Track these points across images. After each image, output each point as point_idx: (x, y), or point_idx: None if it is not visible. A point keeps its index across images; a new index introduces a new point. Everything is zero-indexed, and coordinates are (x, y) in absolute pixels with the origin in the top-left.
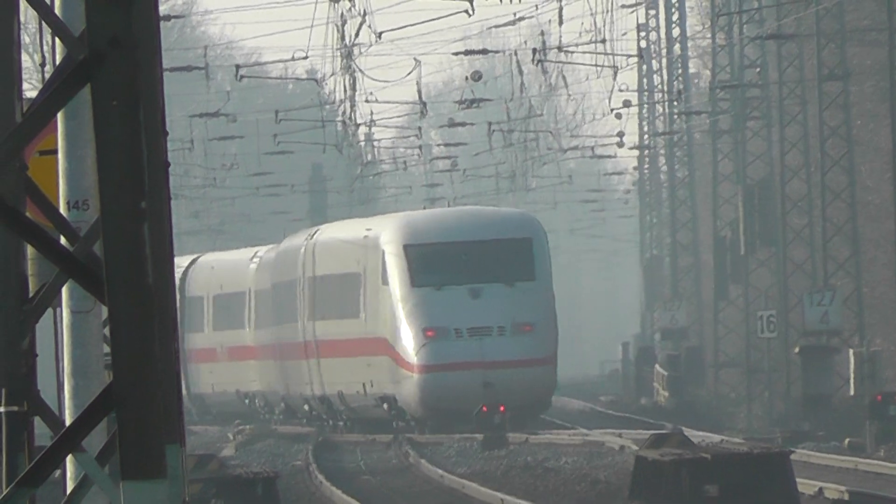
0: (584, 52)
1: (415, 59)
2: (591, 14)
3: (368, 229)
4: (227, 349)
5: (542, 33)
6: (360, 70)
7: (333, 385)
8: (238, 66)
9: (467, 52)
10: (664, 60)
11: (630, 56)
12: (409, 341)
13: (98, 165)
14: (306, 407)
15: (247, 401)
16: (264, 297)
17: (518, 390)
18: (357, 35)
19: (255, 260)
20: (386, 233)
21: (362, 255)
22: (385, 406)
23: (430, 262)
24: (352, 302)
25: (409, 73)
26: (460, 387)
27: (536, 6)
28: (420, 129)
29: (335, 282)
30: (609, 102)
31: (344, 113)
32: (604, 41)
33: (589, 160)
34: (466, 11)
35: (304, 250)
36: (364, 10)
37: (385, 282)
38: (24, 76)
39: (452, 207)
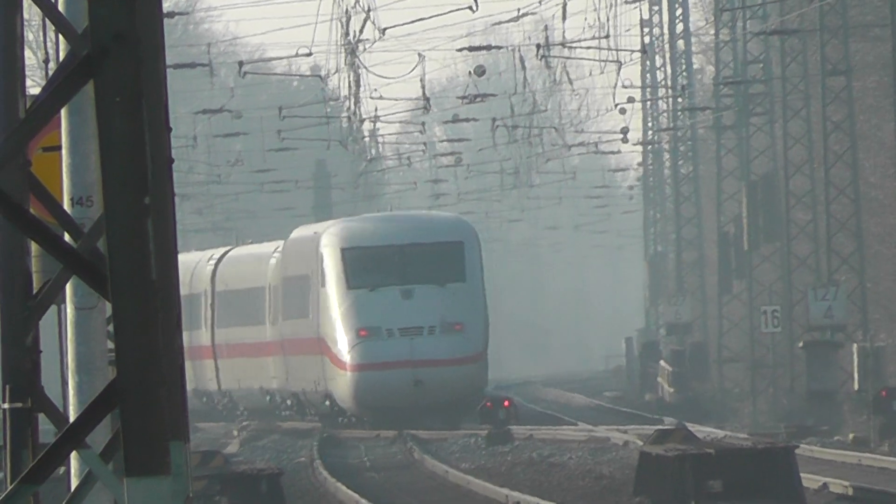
0: (587, 48)
1: (419, 54)
2: (595, 10)
3: (315, 233)
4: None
5: (546, 29)
6: (364, 66)
7: (297, 382)
8: (242, 63)
9: (471, 48)
10: (668, 56)
11: (634, 52)
12: (342, 341)
13: (101, 162)
14: (289, 402)
15: (224, 399)
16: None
17: (447, 387)
18: (361, 31)
19: (210, 262)
20: (325, 237)
21: (311, 258)
22: (327, 403)
23: (365, 265)
24: (303, 304)
25: (413, 69)
26: (391, 385)
27: (540, 2)
28: (424, 124)
29: (295, 284)
30: (613, 98)
31: (348, 109)
32: (607, 37)
33: (593, 156)
34: (470, 7)
35: (274, 258)
36: (368, 6)
37: (323, 284)
38: (28, 73)
39: (390, 213)
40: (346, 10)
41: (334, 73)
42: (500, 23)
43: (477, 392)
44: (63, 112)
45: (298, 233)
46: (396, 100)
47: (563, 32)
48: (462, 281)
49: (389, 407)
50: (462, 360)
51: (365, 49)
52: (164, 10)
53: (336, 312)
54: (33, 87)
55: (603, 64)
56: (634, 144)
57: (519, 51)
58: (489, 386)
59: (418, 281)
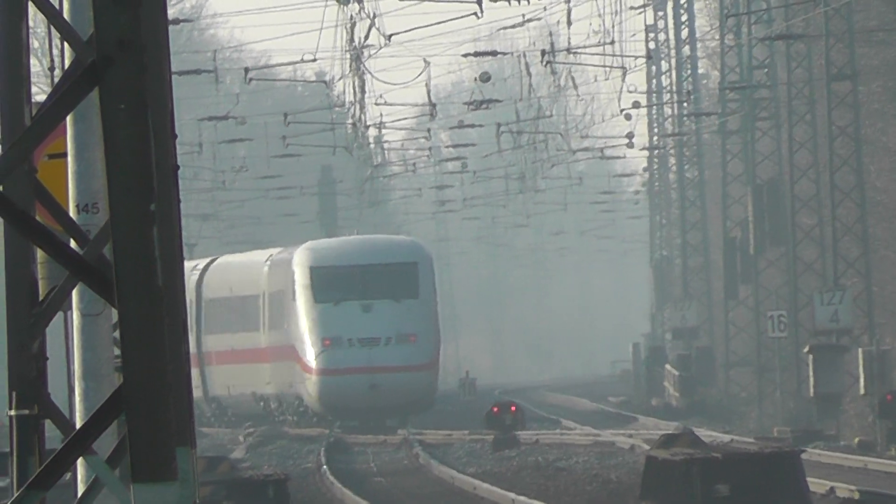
0: (592, 54)
1: (424, 60)
2: (600, 15)
3: (282, 254)
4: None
5: (551, 34)
6: (370, 72)
7: (275, 385)
8: (247, 69)
9: (476, 54)
10: (673, 61)
11: (639, 57)
12: (310, 349)
13: (107, 168)
14: (262, 404)
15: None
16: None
17: (401, 392)
18: (366, 37)
19: (194, 272)
20: (296, 256)
21: (284, 275)
22: (296, 404)
23: (330, 282)
24: (279, 315)
25: (419, 75)
26: (351, 388)
27: (545, 7)
28: (429, 130)
29: (276, 298)
30: (618, 103)
31: (353, 115)
32: (612, 42)
33: (598, 161)
34: (475, 13)
35: (265, 269)
36: (373, 13)
37: (294, 298)
38: (33, 80)
39: (353, 236)
40: (352, 16)
41: (339, 79)
42: (505, 28)
43: (428, 396)
44: (68, 119)
45: (279, 254)
46: (402, 106)
47: (569, 38)
48: (416, 297)
49: (349, 408)
50: (414, 368)
51: (370, 55)
52: (169, 17)
53: (304, 324)
54: (39, 94)
55: (608, 69)
56: (640, 149)
57: (524, 56)
58: (496, 391)
59: (377, 297)
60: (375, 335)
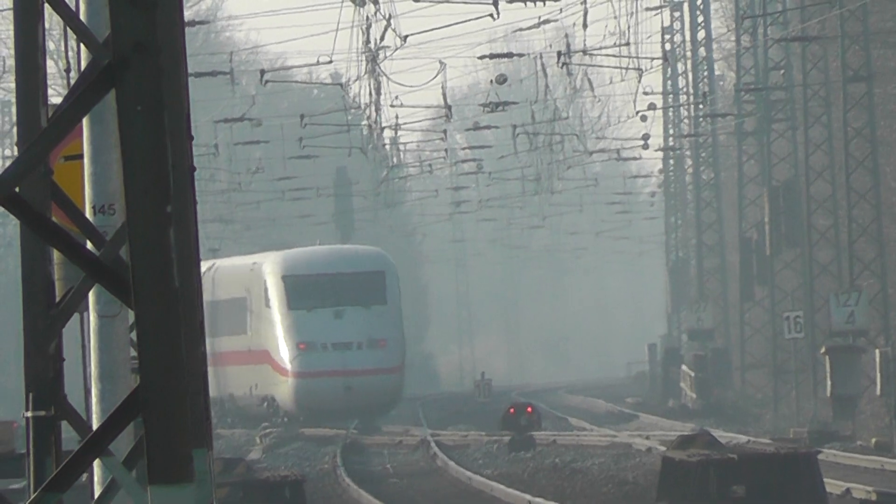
0: (608, 55)
1: (440, 62)
2: (616, 17)
3: (255, 263)
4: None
5: (567, 36)
6: (385, 74)
7: (247, 387)
8: (263, 71)
9: (492, 56)
10: (689, 63)
11: (655, 59)
12: (285, 353)
13: (123, 170)
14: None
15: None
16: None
17: (373, 393)
18: (382, 39)
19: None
20: (267, 265)
21: (258, 282)
22: (265, 405)
23: (303, 290)
24: (254, 320)
25: (434, 77)
26: (325, 390)
27: (561, 9)
28: (445, 132)
29: (247, 304)
30: (634, 105)
31: (369, 117)
32: (628, 44)
33: (614, 162)
34: (491, 15)
35: (248, 276)
36: (389, 14)
37: (268, 305)
38: (49, 82)
39: (322, 246)
40: (367, 17)
41: (355, 81)
42: (521, 30)
43: (396, 397)
44: (85, 121)
45: (253, 262)
46: (417, 107)
47: (584, 40)
48: (384, 304)
49: (324, 409)
50: (385, 371)
51: (386, 57)
52: (186, 19)
53: (279, 329)
54: (55, 96)
55: (624, 71)
56: (656, 151)
57: (540, 58)
58: (513, 392)
59: (348, 303)
60: (348, 340)
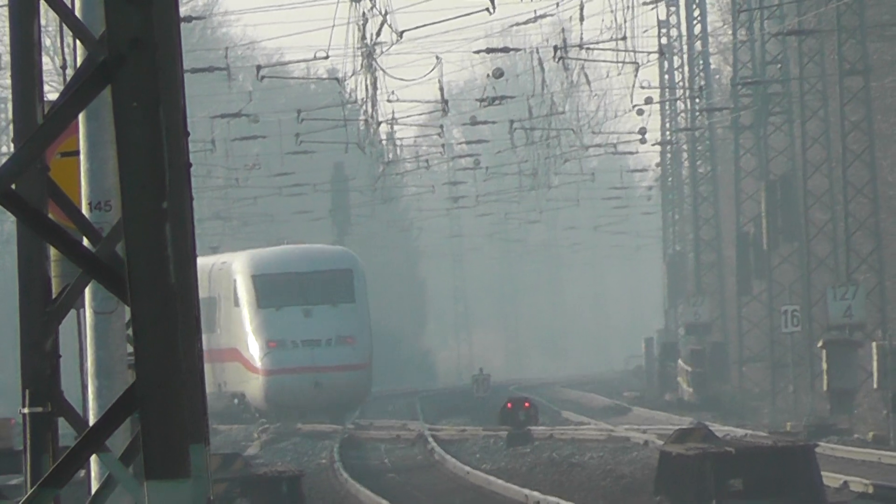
0: (605, 49)
1: (436, 57)
2: (612, 11)
3: (224, 262)
4: None
5: (564, 30)
6: (382, 69)
7: (217, 384)
8: (259, 67)
9: (489, 50)
10: (685, 57)
11: (651, 53)
12: (255, 350)
13: (119, 166)
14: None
15: None
16: None
17: (342, 389)
18: (378, 34)
19: None
20: (237, 264)
21: (227, 281)
22: (235, 401)
23: (272, 288)
24: (223, 318)
25: (431, 72)
26: (296, 386)
27: (557, 3)
28: (442, 127)
29: (217, 302)
30: (631, 99)
31: (366, 112)
32: (625, 38)
33: (611, 157)
34: (487, 9)
35: (217, 275)
36: (385, 9)
37: (237, 304)
38: (45, 78)
39: (288, 245)
40: (363, 13)
41: (351, 76)
42: (517, 24)
43: (364, 392)
44: (81, 117)
45: (221, 261)
46: (414, 102)
47: (581, 34)
48: (352, 302)
49: (294, 405)
50: (354, 367)
51: (382, 52)
52: (182, 15)
53: (248, 327)
54: (51, 92)
55: (620, 65)
56: (652, 145)
57: (537, 53)
58: (510, 387)
59: (316, 302)
60: (317, 337)
